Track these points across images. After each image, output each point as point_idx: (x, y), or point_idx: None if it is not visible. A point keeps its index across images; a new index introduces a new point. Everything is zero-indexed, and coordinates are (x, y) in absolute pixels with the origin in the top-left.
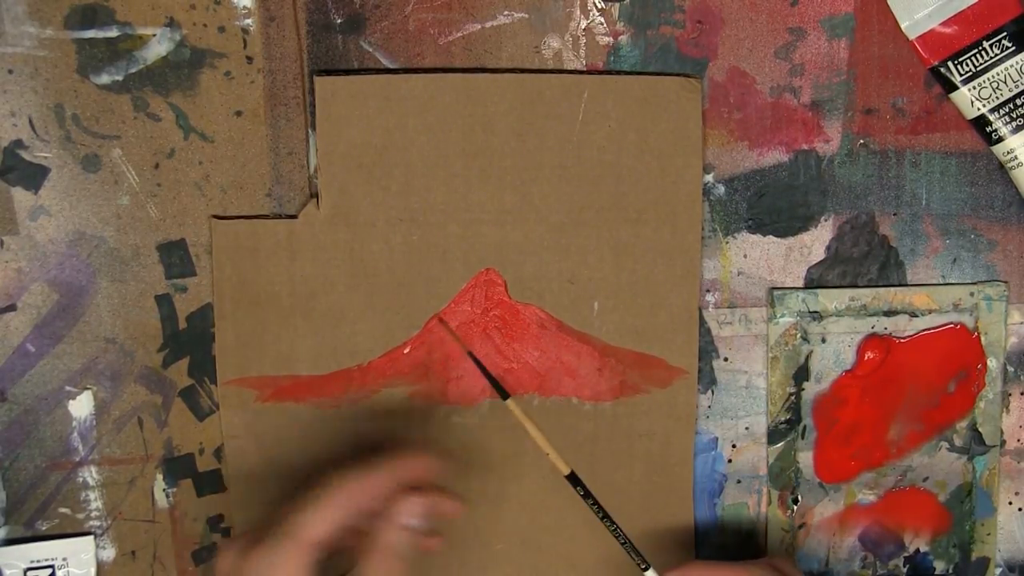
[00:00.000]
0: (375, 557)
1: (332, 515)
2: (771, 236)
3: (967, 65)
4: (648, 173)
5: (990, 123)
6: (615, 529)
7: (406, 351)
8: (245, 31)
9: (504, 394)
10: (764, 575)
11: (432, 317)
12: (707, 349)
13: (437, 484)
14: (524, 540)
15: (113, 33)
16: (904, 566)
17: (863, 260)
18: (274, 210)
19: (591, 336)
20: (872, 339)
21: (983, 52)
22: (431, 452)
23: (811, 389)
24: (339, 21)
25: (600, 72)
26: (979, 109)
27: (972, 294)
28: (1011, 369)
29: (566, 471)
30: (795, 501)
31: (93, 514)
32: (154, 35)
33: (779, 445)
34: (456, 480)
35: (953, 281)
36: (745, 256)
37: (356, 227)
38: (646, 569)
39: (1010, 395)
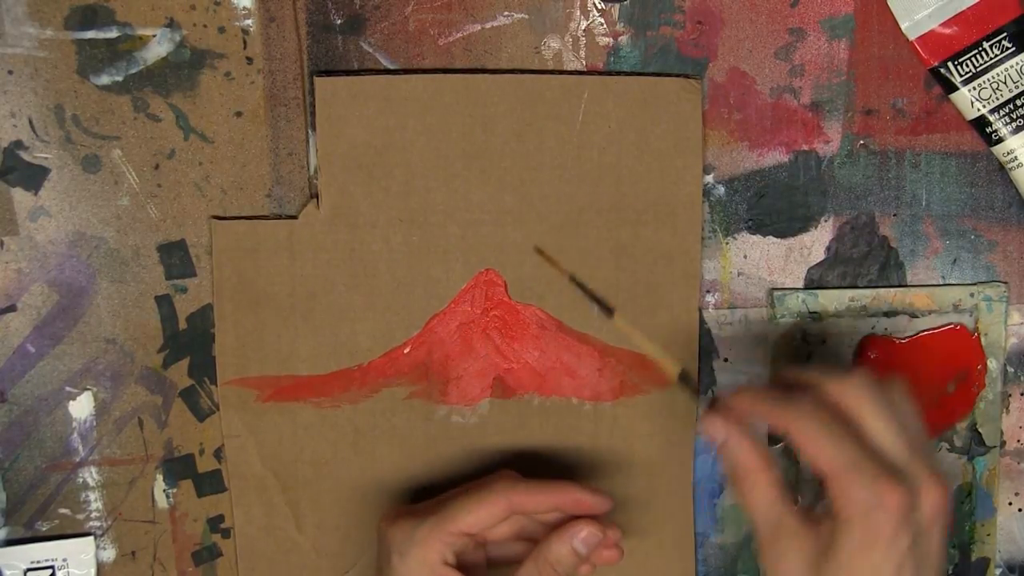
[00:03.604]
0: (536, 566)
1: (486, 512)
2: (771, 237)
3: (967, 66)
4: (648, 174)
5: (990, 124)
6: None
7: (406, 351)
8: (245, 32)
9: (609, 311)
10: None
11: (432, 316)
12: (707, 349)
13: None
14: None
15: (113, 34)
16: None
17: (863, 261)
18: (274, 210)
19: (591, 336)
20: (872, 340)
21: (983, 53)
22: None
23: None
24: (339, 22)
25: (600, 73)
26: (979, 110)
27: (972, 295)
28: (1011, 370)
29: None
30: (795, 501)
31: (93, 515)
32: (154, 36)
33: (779, 445)
34: (456, 480)
35: (953, 282)
36: (745, 257)
37: (356, 227)
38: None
39: (1010, 396)
